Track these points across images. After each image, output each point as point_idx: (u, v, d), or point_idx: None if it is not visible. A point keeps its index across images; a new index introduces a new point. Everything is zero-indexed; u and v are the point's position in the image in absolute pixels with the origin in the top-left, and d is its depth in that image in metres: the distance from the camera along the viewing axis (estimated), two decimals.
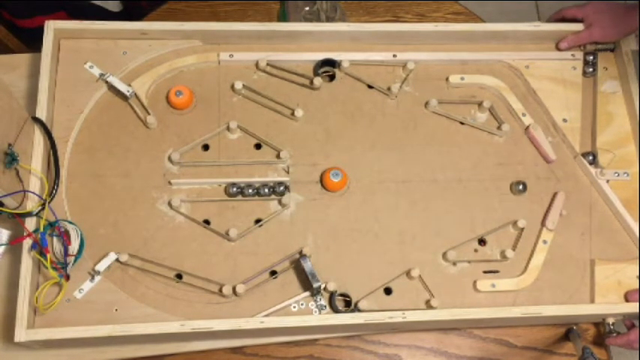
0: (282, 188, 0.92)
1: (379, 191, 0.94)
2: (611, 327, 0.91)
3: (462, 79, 1.01)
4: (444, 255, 0.91)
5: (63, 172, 0.90)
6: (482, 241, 0.93)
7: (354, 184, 0.94)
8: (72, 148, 0.92)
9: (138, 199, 0.90)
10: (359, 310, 0.86)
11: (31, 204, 0.84)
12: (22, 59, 1.00)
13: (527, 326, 0.96)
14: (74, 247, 0.83)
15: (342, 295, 0.88)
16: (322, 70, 1.00)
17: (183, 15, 1.15)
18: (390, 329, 0.93)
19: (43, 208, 0.84)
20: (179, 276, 0.87)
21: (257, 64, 0.99)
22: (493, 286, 0.90)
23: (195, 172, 0.93)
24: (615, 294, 0.91)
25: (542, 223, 0.94)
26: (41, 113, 0.89)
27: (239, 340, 0.90)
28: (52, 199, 0.85)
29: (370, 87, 1.00)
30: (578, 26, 1.03)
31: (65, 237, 0.83)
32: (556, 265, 0.92)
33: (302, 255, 0.87)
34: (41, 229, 0.82)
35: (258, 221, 0.91)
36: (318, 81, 0.98)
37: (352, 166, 0.95)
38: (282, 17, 1.13)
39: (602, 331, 0.95)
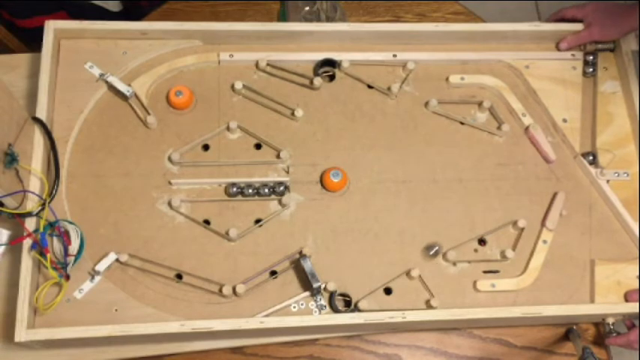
0: (282, 188, 0.92)
1: (379, 191, 0.94)
2: (611, 327, 0.91)
3: (462, 79, 1.01)
4: (444, 255, 0.91)
5: (63, 172, 0.90)
6: (482, 241, 0.93)
7: (354, 184, 0.94)
8: (72, 148, 0.92)
9: (138, 199, 0.90)
10: (359, 310, 0.86)
11: (31, 204, 0.84)
12: (22, 59, 1.00)
13: (527, 326, 0.96)
14: (74, 247, 0.83)
15: (342, 295, 0.88)
16: (322, 70, 1.00)
17: (183, 15, 1.15)
18: (390, 329, 0.93)
19: (43, 208, 0.84)
20: (179, 276, 0.87)
21: (257, 64, 0.99)
22: (493, 286, 0.90)
23: (195, 172, 0.93)
24: (615, 294, 0.91)
25: (542, 223, 0.94)
26: (41, 113, 0.89)
27: (239, 340, 0.90)
28: (52, 199, 0.85)
29: (370, 87, 1.00)
30: (578, 26, 1.03)
31: (65, 237, 0.83)
32: (556, 265, 0.92)
33: (302, 255, 0.88)
34: (41, 229, 0.82)
35: (258, 221, 0.91)
36: (318, 81, 0.98)
37: (352, 166, 0.95)
38: (282, 17, 1.13)
39: (602, 331, 0.95)
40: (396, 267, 0.90)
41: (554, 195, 0.96)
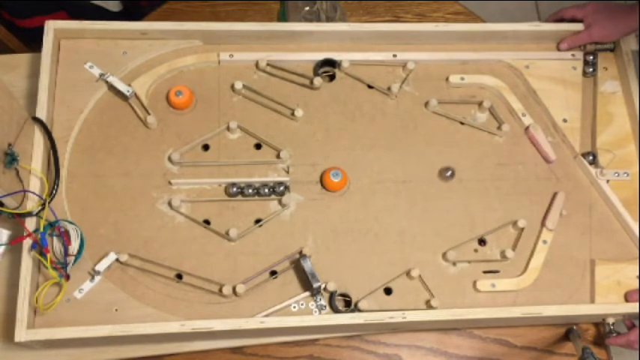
0: (282, 188, 0.92)
1: (379, 191, 0.94)
2: (611, 327, 0.91)
3: (462, 79, 1.01)
4: (444, 255, 0.91)
5: (63, 172, 0.90)
6: (482, 241, 0.93)
7: (354, 184, 0.94)
8: (72, 148, 0.92)
9: (138, 199, 0.90)
10: (359, 310, 0.86)
11: (31, 204, 0.84)
12: (22, 59, 1.00)
13: (527, 326, 0.96)
14: (74, 247, 0.83)
15: (342, 295, 0.88)
16: (322, 70, 1.00)
17: (183, 15, 1.15)
18: (390, 329, 0.93)
19: (43, 208, 0.84)
20: (179, 276, 0.87)
21: (257, 64, 0.99)
22: (493, 286, 0.90)
23: (195, 172, 0.93)
24: (615, 294, 0.91)
25: (542, 223, 0.94)
26: (41, 113, 0.89)
27: (239, 340, 0.90)
28: (52, 199, 0.85)
29: (370, 87, 1.00)
30: (578, 26, 1.03)
31: (65, 237, 0.83)
32: (556, 265, 0.92)
33: (302, 255, 0.88)
34: (41, 229, 0.82)
35: (258, 221, 0.91)
36: (318, 81, 0.98)
37: (352, 166, 0.95)
38: (282, 17, 1.13)
39: (602, 331, 0.95)
40: (396, 267, 0.90)
41: (554, 195, 0.96)
